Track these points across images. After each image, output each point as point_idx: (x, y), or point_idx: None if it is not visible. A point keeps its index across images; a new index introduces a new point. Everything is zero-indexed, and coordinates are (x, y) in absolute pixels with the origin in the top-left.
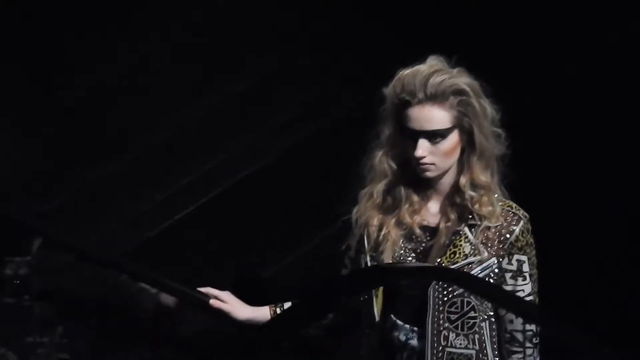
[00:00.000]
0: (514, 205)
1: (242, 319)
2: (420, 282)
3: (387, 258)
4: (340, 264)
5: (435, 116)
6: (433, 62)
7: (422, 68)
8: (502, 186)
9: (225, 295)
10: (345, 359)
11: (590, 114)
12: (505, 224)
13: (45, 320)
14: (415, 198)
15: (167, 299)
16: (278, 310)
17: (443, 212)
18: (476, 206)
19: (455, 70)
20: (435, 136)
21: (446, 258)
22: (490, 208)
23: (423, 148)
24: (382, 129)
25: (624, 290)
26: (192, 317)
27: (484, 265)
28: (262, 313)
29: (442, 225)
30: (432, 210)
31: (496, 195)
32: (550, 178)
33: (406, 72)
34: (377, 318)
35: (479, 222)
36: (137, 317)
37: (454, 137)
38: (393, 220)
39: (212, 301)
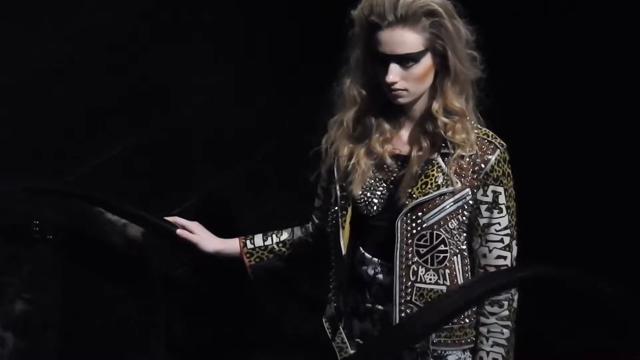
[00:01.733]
0: (490, 133)
1: (211, 251)
2: (387, 212)
3: (357, 189)
4: (314, 194)
5: (407, 39)
6: None
7: None
8: (477, 113)
9: (194, 225)
10: (315, 293)
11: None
12: (480, 152)
13: (13, 257)
14: (386, 126)
15: (135, 231)
16: (248, 243)
17: (415, 140)
18: (449, 133)
19: None
20: (407, 60)
21: (417, 189)
22: (464, 135)
23: (394, 73)
24: (351, 54)
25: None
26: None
27: (457, 196)
28: (232, 245)
29: (413, 153)
30: (403, 139)
31: (472, 123)
32: (528, 104)
33: None
34: (343, 251)
35: (452, 151)
36: (109, 250)
37: (426, 61)
38: (363, 150)
39: (179, 231)
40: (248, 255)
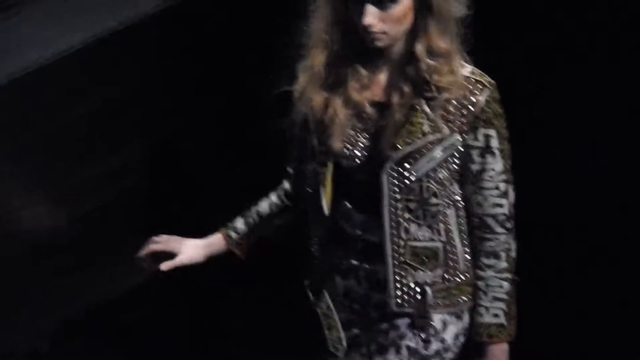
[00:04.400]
0: (478, 71)
1: (201, 261)
2: (371, 165)
3: (336, 142)
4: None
5: None
6: None
7: None
8: (463, 52)
9: (164, 244)
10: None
11: None
12: (467, 94)
13: None
14: (363, 71)
15: None
16: (232, 234)
17: (395, 85)
18: (435, 76)
19: None
20: (385, 0)
21: (402, 138)
22: (451, 78)
23: (371, 15)
24: None
25: None
26: None
27: (446, 143)
28: (216, 244)
29: (395, 100)
30: (382, 84)
31: (466, 67)
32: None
33: None
34: (326, 211)
35: (437, 95)
36: None
37: (406, 1)
38: (340, 99)
39: (163, 266)
40: (238, 246)
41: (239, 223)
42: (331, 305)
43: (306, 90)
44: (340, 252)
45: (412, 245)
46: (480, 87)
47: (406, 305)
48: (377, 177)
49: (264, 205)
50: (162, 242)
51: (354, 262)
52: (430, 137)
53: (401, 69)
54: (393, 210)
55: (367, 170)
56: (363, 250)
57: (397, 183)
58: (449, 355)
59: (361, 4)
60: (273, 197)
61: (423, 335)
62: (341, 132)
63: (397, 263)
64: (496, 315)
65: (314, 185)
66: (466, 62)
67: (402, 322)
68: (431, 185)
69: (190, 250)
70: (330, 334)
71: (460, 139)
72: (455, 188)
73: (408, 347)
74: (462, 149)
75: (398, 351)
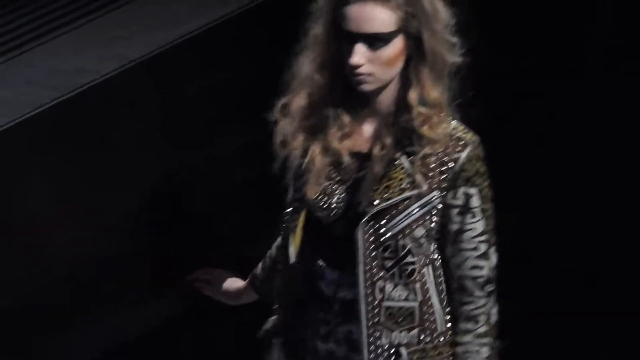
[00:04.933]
0: (461, 127)
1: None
2: (347, 219)
3: (311, 191)
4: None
5: (377, 16)
6: None
7: None
8: (452, 105)
9: (212, 274)
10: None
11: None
12: (449, 150)
13: None
14: (346, 118)
15: None
16: (256, 282)
17: (378, 136)
18: (425, 127)
19: None
20: (375, 40)
21: (379, 193)
22: (440, 130)
23: (360, 54)
24: (312, 28)
25: None
26: None
27: (424, 200)
28: (249, 294)
29: (375, 152)
30: (365, 134)
31: (449, 118)
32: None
33: None
34: (292, 259)
35: (419, 149)
36: None
37: (398, 43)
38: (318, 146)
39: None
40: (260, 291)
41: (258, 270)
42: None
43: (286, 133)
44: (318, 312)
45: (387, 305)
46: (463, 143)
47: None
48: (352, 232)
49: (273, 249)
50: (211, 272)
51: (331, 325)
52: (408, 194)
53: (385, 119)
54: (368, 267)
55: (342, 224)
56: (340, 310)
57: (372, 239)
58: None
59: (351, 42)
60: (278, 240)
61: None
62: (317, 181)
63: (371, 323)
64: None
65: (287, 231)
66: (453, 116)
67: None
68: (407, 243)
69: (232, 291)
70: None
71: (439, 197)
72: (433, 247)
73: None
74: (442, 207)
75: None
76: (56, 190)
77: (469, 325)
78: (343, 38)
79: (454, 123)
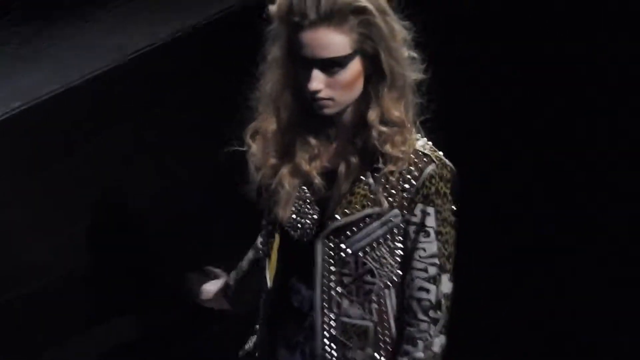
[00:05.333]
0: (429, 145)
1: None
2: (308, 233)
3: (283, 212)
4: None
5: (332, 41)
6: None
7: None
8: (418, 122)
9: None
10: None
11: None
12: (412, 167)
13: None
14: (313, 141)
15: None
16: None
17: (344, 154)
18: (387, 146)
19: None
20: (332, 65)
21: (341, 209)
22: (403, 148)
23: (318, 80)
24: (270, 54)
25: None
26: None
27: (384, 218)
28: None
29: (342, 170)
30: (332, 153)
31: (417, 136)
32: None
33: None
34: (269, 283)
35: (383, 166)
36: None
37: (355, 66)
38: (287, 168)
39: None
40: (231, 301)
41: (231, 279)
42: None
43: (256, 157)
44: (291, 328)
45: (343, 320)
46: (426, 160)
47: None
48: (313, 245)
49: (245, 262)
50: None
51: (301, 338)
52: (369, 211)
53: (351, 137)
54: (326, 282)
55: (312, 241)
56: (310, 326)
57: (332, 254)
58: None
59: (308, 69)
60: (250, 254)
61: None
62: (287, 202)
63: (327, 337)
64: None
65: (264, 253)
66: (420, 133)
67: None
68: (368, 262)
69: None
70: None
71: (400, 215)
72: (397, 269)
73: None
74: (403, 226)
75: None
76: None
77: (409, 348)
78: (300, 64)
79: (420, 141)
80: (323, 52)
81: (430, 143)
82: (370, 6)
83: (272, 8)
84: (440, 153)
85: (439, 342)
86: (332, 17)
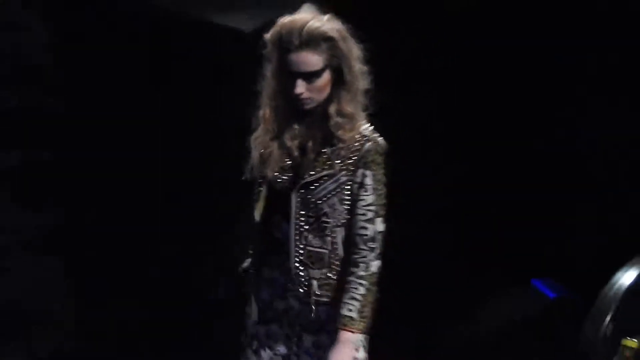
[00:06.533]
0: (371, 130)
1: None
2: (292, 188)
3: (270, 172)
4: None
5: (310, 60)
6: (306, 11)
7: (297, 18)
8: (366, 116)
9: None
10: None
11: None
12: (357, 144)
13: None
14: (296, 126)
15: None
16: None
17: (313, 135)
18: (339, 132)
19: (325, 18)
20: (311, 76)
21: (308, 171)
22: (351, 134)
23: (301, 86)
24: (268, 69)
25: None
26: None
27: (335, 178)
28: None
29: (310, 145)
30: (305, 134)
31: (365, 126)
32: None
33: (285, 21)
34: (257, 218)
35: (338, 144)
36: None
37: (326, 76)
38: (277, 143)
39: None
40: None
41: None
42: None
43: (258, 137)
44: (273, 255)
45: (308, 249)
46: (367, 139)
47: (302, 290)
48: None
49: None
50: None
51: (281, 260)
52: (326, 172)
53: (319, 124)
54: (297, 221)
55: (289, 191)
56: (286, 252)
57: (301, 201)
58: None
59: (294, 78)
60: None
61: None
62: (275, 165)
63: (297, 260)
64: (350, 310)
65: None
66: (368, 123)
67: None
68: (324, 207)
69: None
70: (249, 306)
71: (347, 177)
72: (345, 213)
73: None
74: (349, 184)
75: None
76: None
77: (354, 269)
78: (288, 75)
79: (365, 127)
80: (304, 67)
81: (372, 127)
82: (335, 35)
83: (267, 36)
84: (377, 134)
85: (376, 265)
86: (310, 43)
